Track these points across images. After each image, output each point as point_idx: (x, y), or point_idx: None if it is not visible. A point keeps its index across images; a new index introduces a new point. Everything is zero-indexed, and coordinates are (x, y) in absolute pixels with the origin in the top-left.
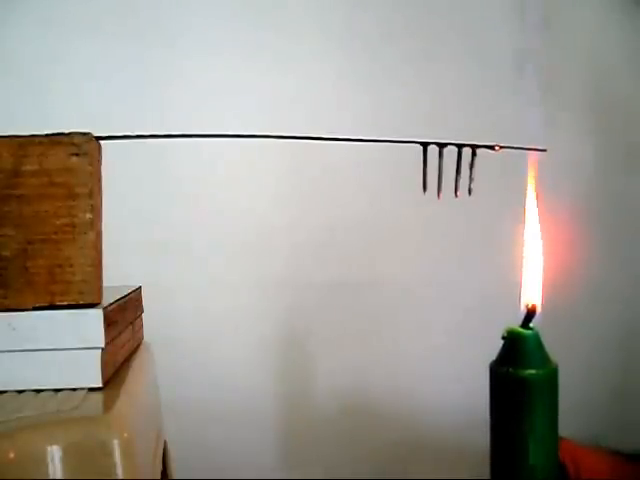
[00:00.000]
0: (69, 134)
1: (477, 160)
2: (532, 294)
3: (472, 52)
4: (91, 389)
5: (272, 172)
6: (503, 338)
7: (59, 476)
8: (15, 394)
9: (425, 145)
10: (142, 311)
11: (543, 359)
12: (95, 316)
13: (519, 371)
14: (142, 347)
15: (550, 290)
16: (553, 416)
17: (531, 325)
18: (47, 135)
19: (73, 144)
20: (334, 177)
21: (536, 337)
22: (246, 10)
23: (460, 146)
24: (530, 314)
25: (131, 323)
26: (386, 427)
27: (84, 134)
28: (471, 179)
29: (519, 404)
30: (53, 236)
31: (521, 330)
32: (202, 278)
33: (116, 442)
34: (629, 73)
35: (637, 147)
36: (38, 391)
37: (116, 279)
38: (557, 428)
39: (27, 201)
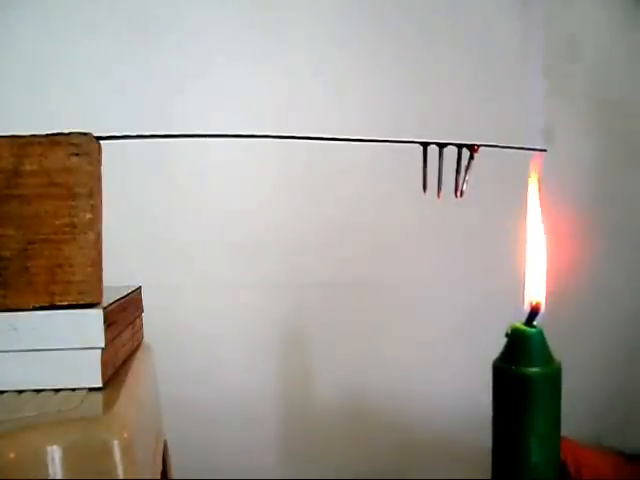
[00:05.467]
0: (69, 134)
1: (480, 160)
2: (536, 292)
3: (473, 52)
4: (91, 389)
5: (272, 172)
6: (506, 336)
7: (59, 476)
8: (15, 394)
9: (425, 145)
10: (142, 311)
11: (546, 357)
12: (95, 316)
13: (522, 369)
14: (142, 347)
15: (553, 288)
16: (556, 415)
17: (535, 323)
18: (47, 135)
19: (73, 144)
20: (334, 177)
21: (540, 335)
22: (246, 10)
23: (460, 146)
24: (534, 312)
25: (131, 323)
26: (387, 427)
27: (84, 134)
28: (465, 181)
29: (522, 402)
30: (53, 236)
31: (525, 328)
32: (202, 278)
33: (116, 442)
34: (630, 73)
35: (638, 146)
36: (38, 391)
37: (116, 279)
38: (560, 427)
39: (27, 201)
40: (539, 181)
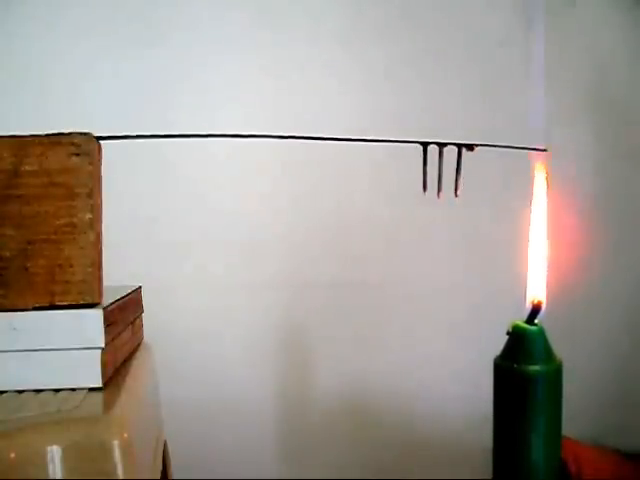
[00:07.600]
0: (69, 134)
1: (481, 160)
2: (537, 290)
3: (474, 52)
4: (91, 389)
5: (272, 172)
6: (508, 333)
7: (59, 476)
8: (15, 394)
9: (425, 145)
10: (142, 311)
11: (547, 355)
12: (95, 316)
13: (523, 367)
14: (142, 347)
15: (555, 286)
16: (557, 413)
17: (536, 321)
18: (47, 135)
19: (73, 144)
20: (334, 177)
21: (541, 333)
22: (246, 10)
23: (460, 146)
24: (535, 310)
25: (131, 323)
26: (387, 427)
27: (84, 134)
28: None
29: (523, 400)
30: (53, 236)
31: (526, 326)
32: (201, 278)
33: (116, 442)
34: (630, 73)
35: (639, 146)
36: (38, 391)
37: (116, 279)
38: (561, 425)
39: (27, 201)
40: (547, 179)
